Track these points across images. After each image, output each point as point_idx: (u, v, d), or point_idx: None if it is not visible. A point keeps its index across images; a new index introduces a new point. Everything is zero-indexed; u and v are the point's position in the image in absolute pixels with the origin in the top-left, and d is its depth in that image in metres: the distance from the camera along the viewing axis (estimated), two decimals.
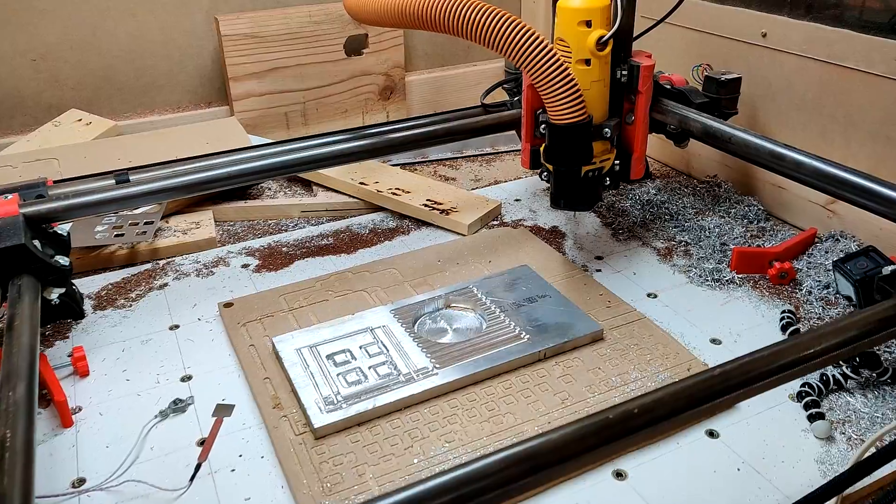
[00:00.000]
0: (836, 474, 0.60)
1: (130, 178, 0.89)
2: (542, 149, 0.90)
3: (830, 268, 0.90)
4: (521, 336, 0.79)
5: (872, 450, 0.64)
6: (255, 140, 1.27)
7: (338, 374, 0.74)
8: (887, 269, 0.63)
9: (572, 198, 0.89)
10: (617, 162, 0.93)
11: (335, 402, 0.71)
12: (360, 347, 0.78)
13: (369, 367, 0.75)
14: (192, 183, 0.91)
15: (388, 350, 0.77)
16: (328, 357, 0.77)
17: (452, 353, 0.77)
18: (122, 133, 1.25)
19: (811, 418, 0.69)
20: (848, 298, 0.85)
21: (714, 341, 0.82)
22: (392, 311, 0.84)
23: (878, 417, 0.70)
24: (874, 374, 0.73)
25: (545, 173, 0.93)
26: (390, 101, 1.47)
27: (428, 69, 1.53)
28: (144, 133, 1.21)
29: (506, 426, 0.69)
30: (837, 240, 0.95)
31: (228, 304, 0.89)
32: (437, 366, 0.75)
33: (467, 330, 0.82)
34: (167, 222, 1.08)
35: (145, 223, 1.02)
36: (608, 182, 0.93)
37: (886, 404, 0.71)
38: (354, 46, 1.39)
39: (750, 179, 1.11)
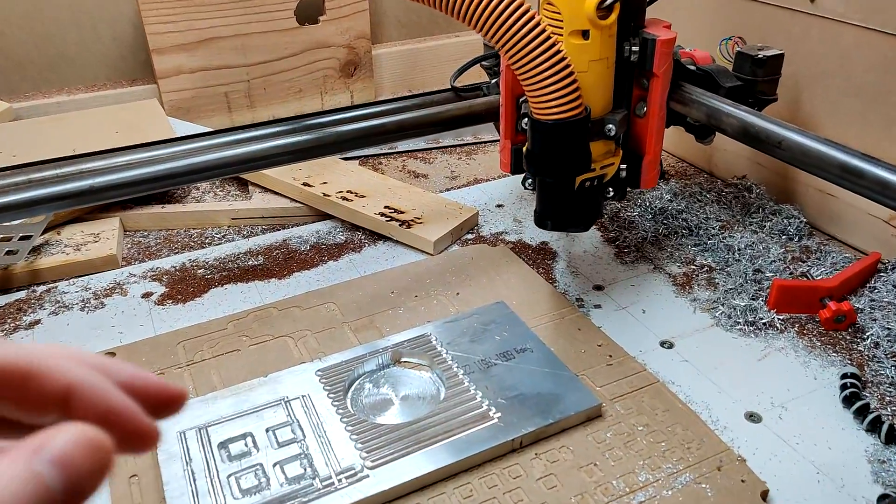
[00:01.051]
0: None
1: None
2: (524, 150, 0.69)
3: None
4: (490, 414, 0.58)
5: None
6: (183, 128, 1.04)
7: (230, 475, 0.53)
8: None
9: (563, 216, 0.67)
10: (623, 166, 0.71)
11: None
12: (268, 431, 0.57)
13: (275, 465, 0.54)
14: (80, 191, 0.69)
15: (304, 437, 0.56)
16: (221, 445, 0.55)
17: (393, 441, 0.56)
18: (19, 118, 1.02)
19: None
20: None
21: (751, 417, 0.61)
22: (319, 371, 0.62)
23: None
24: None
25: (529, 181, 0.71)
26: (355, 79, 1.24)
27: (400, 40, 1.30)
28: (39, 119, 0.99)
29: None
30: None
31: (109, 355, 0.67)
32: (370, 463, 0.54)
33: (418, 400, 0.61)
34: (58, 234, 0.86)
35: (20, 238, 0.81)
36: (611, 193, 0.71)
37: None
38: (309, 12, 1.16)
39: (789, 182, 0.89)
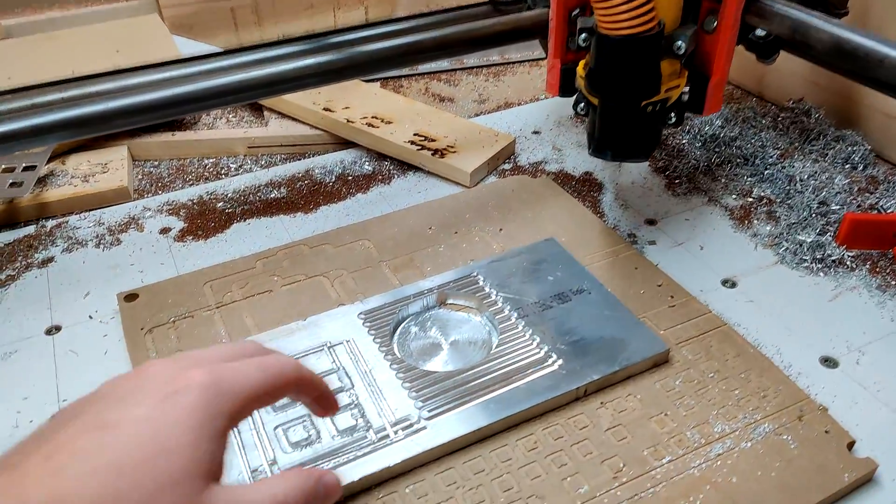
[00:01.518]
0: None
1: None
2: (580, 69, 0.62)
3: None
4: (550, 360, 0.53)
5: None
6: (188, 46, 0.97)
7: (276, 427, 0.49)
8: None
9: (625, 145, 0.61)
10: (686, 89, 0.64)
11: None
12: None
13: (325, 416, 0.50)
14: (92, 117, 0.62)
15: (353, 385, 0.52)
16: None
17: (448, 389, 0.51)
18: (10, 36, 0.94)
19: None
20: None
21: (827, 361, 0.57)
22: (361, 314, 0.58)
23: None
24: None
25: (582, 105, 0.65)
26: None
27: None
28: (32, 37, 0.91)
29: None
30: None
31: (131, 297, 0.63)
32: (426, 414, 0.50)
33: (470, 346, 0.56)
34: (63, 163, 0.80)
35: (24, 169, 0.74)
36: (673, 118, 0.65)
37: None
38: None
39: (852, 105, 0.82)
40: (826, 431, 0.49)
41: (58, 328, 0.61)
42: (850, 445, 0.49)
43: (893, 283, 0.64)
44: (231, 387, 0.29)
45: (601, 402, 0.52)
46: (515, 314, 0.58)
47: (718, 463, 0.48)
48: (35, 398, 0.55)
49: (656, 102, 0.61)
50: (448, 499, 0.46)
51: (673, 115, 0.64)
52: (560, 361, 0.53)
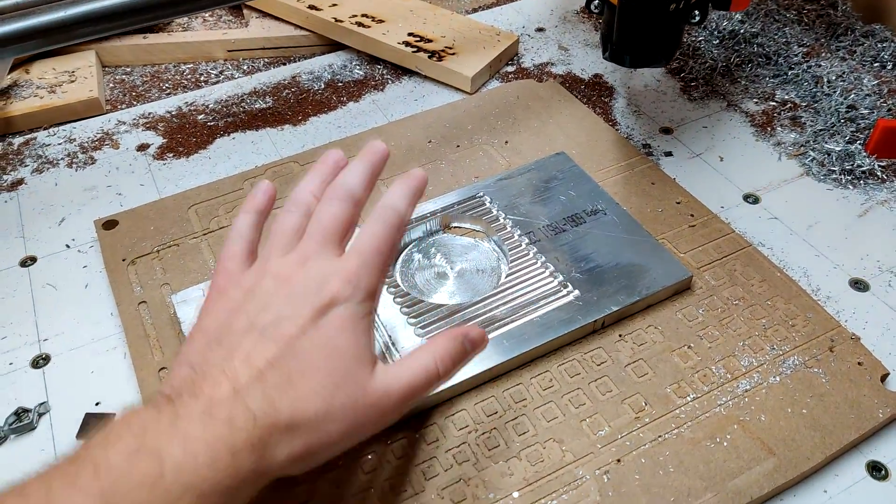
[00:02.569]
0: None
1: None
2: None
3: None
4: (566, 291, 0.50)
5: None
6: None
7: None
8: None
9: (646, 49, 0.55)
10: None
11: None
12: None
13: None
14: (42, 28, 0.55)
15: None
16: None
17: (456, 324, 0.48)
18: None
19: None
20: None
21: (857, 284, 0.53)
22: None
23: None
24: None
25: (597, 2, 0.58)
26: None
27: None
28: None
29: (548, 467, 0.42)
30: None
31: (110, 224, 0.58)
32: None
33: (478, 275, 0.53)
34: (27, 72, 0.73)
35: None
36: (697, 17, 0.58)
37: None
38: None
39: None
40: (859, 363, 0.47)
41: (33, 259, 0.57)
42: (884, 378, 0.46)
43: None
44: (367, 274, 0.36)
45: (620, 335, 0.49)
46: (526, 239, 0.54)
47: (746, 400, 0.45)
48: (12, 338, 0.51)
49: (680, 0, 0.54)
50: (461, 444, 0.43)
51: (697, 12, 0.58)
52: (575, 292, 0.50)
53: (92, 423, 0.47)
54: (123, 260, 0.55)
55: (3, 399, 0.47)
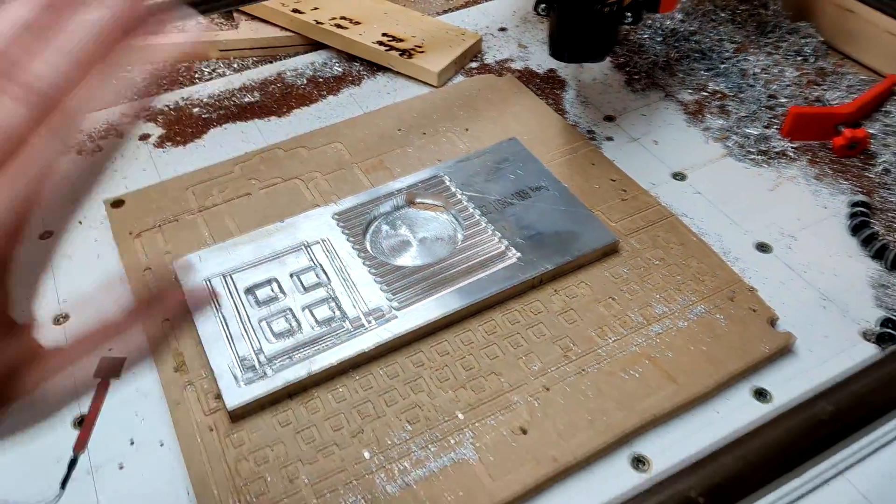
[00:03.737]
0: None
1: None
2: None
3: None
4: (509, 254, 0.59)
5: None
6: None
7: (261, 320, 0.54)
8: None
9: (581, 48, 0.64)
10: None
11: (256, 365, 0.52)
12: (292, 276, 0.57)
13: (304, 309, 0.55)
14: None
15: (329, 281, 0.57)
16: (248, 291, 0.56)
17: (416, 282, 0.57)
18: None
19: None
20: None
21: (761, 247, 0.62)
22: (335, 215, 0.62)
23: None
24: None
25: (543, 5, 0.67)
26: None
27: None
28: None
29: (488, 394, 0.51)
30: None
31: (118, 203, 0.66)
32: (396, 304, 0.55)
33: (437, 242, 0.61)
34: None
35: None
36: (630, 18, 0.67)
37: None
38: None
39: None
40: (753, 310, 0.56)
41: (49, 233, 0.65)
42: (773, 322, 0.55)
43: (829, 171, 0.68)
44: None
45: (554, 290, 0.57)
46: (479, 212, 0.62)
47: (657, 341, 0.54)
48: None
49: (613, 3, 0.63)
50: (416, 378, 0.52)
51: (629, 14, 0.66)
52: (518, 254, 0.58)
53: (104, 366, 0.55)
54: (130, 233, 0.63)
55: None
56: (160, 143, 0.75)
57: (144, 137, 0.75)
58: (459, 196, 0.64)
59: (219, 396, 0.51)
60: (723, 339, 0.54)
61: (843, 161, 0.69)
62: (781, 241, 0.62)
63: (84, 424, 0.52)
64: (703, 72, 0.80)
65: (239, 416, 0.50)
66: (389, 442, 0.49)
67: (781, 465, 0.31)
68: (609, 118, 0.75)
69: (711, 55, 0.81)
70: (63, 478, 0.49)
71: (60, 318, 0.58)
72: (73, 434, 0.51)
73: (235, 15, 0.90)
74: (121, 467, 0.49)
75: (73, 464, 0.50)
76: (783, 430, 0.32)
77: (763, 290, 0.58)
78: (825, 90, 0.76)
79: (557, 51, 0.64)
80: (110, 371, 0.55)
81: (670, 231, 0.62)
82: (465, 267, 0.58)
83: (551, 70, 0.82)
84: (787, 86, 0.76)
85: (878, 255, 0.60)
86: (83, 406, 0.52)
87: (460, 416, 0.50)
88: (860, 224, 0.62)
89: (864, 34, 0.79)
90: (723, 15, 0.86)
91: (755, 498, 0.31)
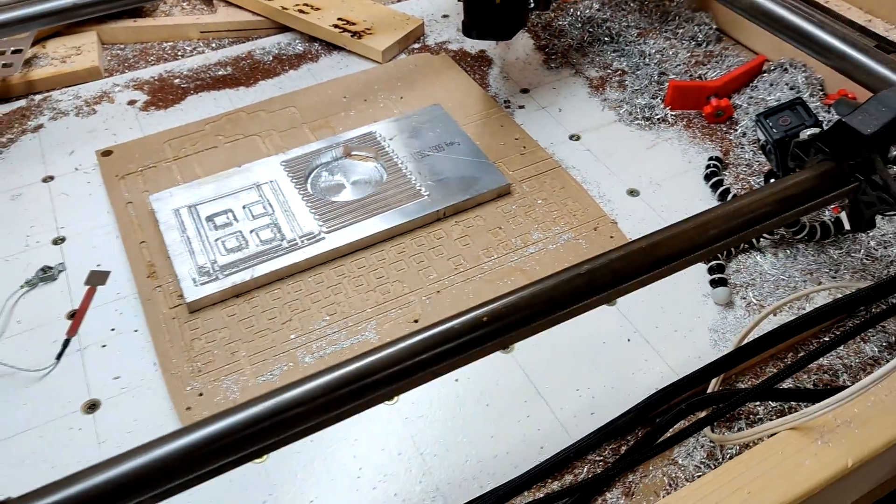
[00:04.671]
0: (717, 356, 0.57)
1: None
2: None
3: (771, 104, 0.82)
4: (422, 193, 0.72)
5: (764, 324, 0.61)
6: None
7: (216, 240, 0.68)
8: (804, 134, 0.56)
9: (486, 26, 0.78)
10: None
11: (211, 272, 0.66)
12: (244, 208, 0.71)
13: (251, 231, 0.69)
14: (64, 8, 0.78)
15: (273, 211, 0.71)
16: (208, 219, 0.70)
17: (344, 213, 0.71)
18: None
19: (713, 283, 0.65)
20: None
21: (631, 192, 0.76)
22: (283, 162, 0.76)
23: (783, 280, 0.66)
24: (789, 232, 0.69)
25: None
26: None
27: None
28: None
29: (392, 296, 0.65)
30: (786, 69, 0.86)
31: (107, 153, 0.80)
32: (326, 229, 0.69)
33: (365, 184, 0.75)
34: (43, 47, 0.95)
35: (12, 52, 0.90)
36: (532, 5, 0.81)
37: (795, 265, 0.67)
38: None
39: None
40: (611, 237, 0.69)
41: (51, 177, 0.79)
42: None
43: (699, 135, 0.82)
44: None
45: (455, 222, 0.71)
46: (400, 161, 0.76)
47: (530, 259, 0.68)
48: (39, 227, 0.74)
49: None
50: (337, 284, 0.66)
51: (532, 2, 0.80)
52: (428, 193, 0.72)
53: (93, 276, 0.69)
54: (116, 176, 0.77)
55: (34, 262, 0.70)
56: (145, 107, 0.89)
57: (132, 102, 0.89)
58: (387, 149, 0.78)
59: (181, 296, 0.65)
60: (581, 257, 0.67)
61: (712, 127, 0.83)
62: (648, 188, 0.76)
63: (75, 317, 0.66)
64: (610, 52, 0.94)
65: (196, 309, 0.64)
66: (311, 328, 0.63)
67: (553, 301, 0.45)
68: (524, 91, 0.89)
69: (619, 39, 0.95)
70: (58, 353, 0.63)
71: (58, 240, 0.72)
72: (67, 324, 0.65)
73: (215, 1, 1.04)
74: (103, 346, 0.63)
75: (66, 343, 0.64)
76: (555, 281, 0.46)
77: (624, 224, 0.71)
78: (709, 69, 0.90)
79: (467, 30, 0.78)
80: (97, 280, 0.70)
81: (556, 178, 0.76)
82: (385, 202, 0.72)
83: (482, 50, 0.96)
84: (678, 65, 0.90)
85: (722, 198, 0.73)
86: (75, 305, 0.66)
87: (368, 310, 0.64)
88: (711, 174, 0.75)
89: (749, 22, 0.92)
90: (632, 5, 1.00)
91: (526, 322, 0.45)
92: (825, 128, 0.55)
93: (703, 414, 0.55)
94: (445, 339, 0.43)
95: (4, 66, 0.88)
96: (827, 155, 0.54)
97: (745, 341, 0.59)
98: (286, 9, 0.98)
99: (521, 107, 0.87)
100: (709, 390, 0.57)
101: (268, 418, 0.39)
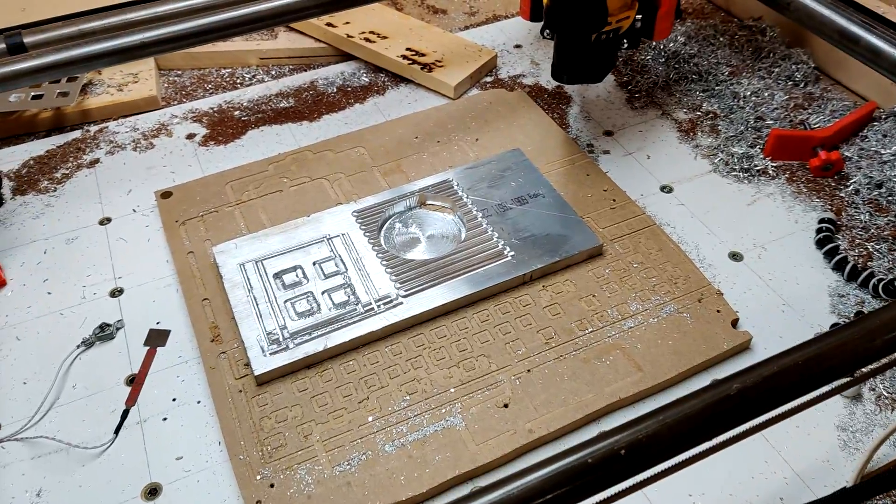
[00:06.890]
0: (848, 463, 0.50)
1: (25, 40, 0.71)
2: (544, 2, 0.71)
3: (886, 159, 0.74)
4: (505, 252, 0.66)
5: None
6: None
7: (286, 301, 0.63)
8: None
9: (578, 70, 0.71)
10: (639, 17, 0.73)
11: (281, 339, 0.60)
12: (315, 264, 0.66)
13: (323, 293, 0.64)
14: (126, 48, 0.73)
15: (346, 269, 0.66)
16: (276, 276, 0.65)
17: (422, 274, 0.65)
18: None
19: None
20: None
21: (734, 256, 0.69)
22: (355, 212, 0.71)
23: None
24: None
25: (547, 31, 0.75)
26: None
27: None
28: None
29: (478, 373, 0.59)
30: None
31: (166, 194, 0.76)
32: (403, 292, 0.63)
33: (442, 239, 0.69)
34: (99, 73, 0.91)
35: (67, 80, 0.86)
36: (626, 44, 0.74)
37: None
38: None
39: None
40: (718, 311, 0.63)
41: (108, 219, 0.75)
42: (735, 322, 0.62)
43: (805, 190, 0.75)
44: None
45: (543, 286, 0.65)
46: (481, 214, 0.70)
47: (629, 334, 0.61)
48: (96, 276, 0.69)
49: (608, 32, 0.70)
50: (417, 356, 0.60)
51: (625, 41, 0.74)
52: (512, 253, 0.66)
53: (152, 336, 0.65)
54: (176, 221, 0.73)
55: (91, 318, 0.65)
56: (204, 141, 0.84)
57: (191, 136, 0.84)
58: (465, 199, 0.72)
59: (248, 364, 0.60)
60: (688, 336, 0.61)
61: (819, 181, 0.76)
62: (753, 252, 0.69)
63: (135, 383, 0.61)
64: (699, 92, 0.87)
65: (264, 381, 0.59)
66: (390, 409, 0.57)
67: (694, 430, 0.39)
68: (608, 133, 0.83)
69: (708, 77, 0.88)
70: (116, 426, 0.58)
71: (116, 292, 0.67)
72: (126, 391, 0.60)
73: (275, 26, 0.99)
74: (164, 419, 0.58)
75: (125, 415, 0.59)
76: (699, 402, 0.40)
77: (729, 295, 0.65)
78: (810, 114, 0.82)
79: (557, 73, 0.72)
80: (157, 341, 0.65)
81: (651, 238, 0.69)
82: (465, 262, 0.66)
83: (559, 86, 0.89)
84: (775, 108, 0.83)
85: (838, 267, 0.66)
86: (134, 367, 0.62)
87: (452, 390, 0.58)
88: (824, 239, 0.68)
89: (853, 61, 0.85)
90: (721, 39, 0.93)
91: (670, 455, 0.38)
92: None
93: None
94: (576, 474, 0.37)
95: (60, 94, 0.84)
96: None
97: (882, 447, 0.52)
98: (351, 37, 0.93)
99: (606, 152, 0.80)
100: None
101: None
